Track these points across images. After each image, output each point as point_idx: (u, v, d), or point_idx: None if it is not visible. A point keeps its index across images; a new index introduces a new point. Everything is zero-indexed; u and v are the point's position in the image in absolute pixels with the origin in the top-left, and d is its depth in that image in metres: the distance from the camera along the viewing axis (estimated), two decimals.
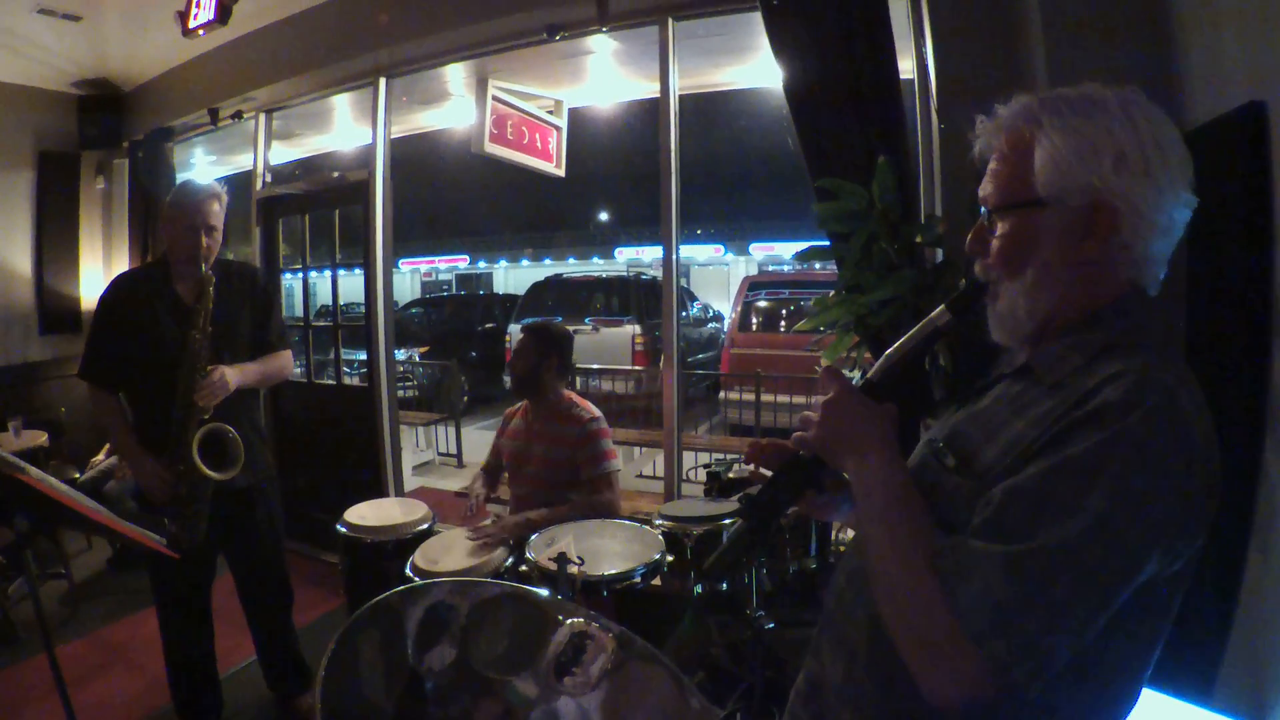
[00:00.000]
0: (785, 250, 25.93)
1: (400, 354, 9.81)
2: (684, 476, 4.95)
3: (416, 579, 2.86)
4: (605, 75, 5.39)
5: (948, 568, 1.00)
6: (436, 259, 33.03)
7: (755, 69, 5.01)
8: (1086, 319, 1.13)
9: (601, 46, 4.69)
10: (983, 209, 1.20)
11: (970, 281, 1.23)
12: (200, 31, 5.03)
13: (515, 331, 11.90)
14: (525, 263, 31.44)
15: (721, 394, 10.02)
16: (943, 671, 0.97)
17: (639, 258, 27.11)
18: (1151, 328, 1.12)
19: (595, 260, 28.51)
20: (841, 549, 3.09)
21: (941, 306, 1.19)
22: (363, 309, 5.65)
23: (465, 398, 11.66)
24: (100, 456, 5.54)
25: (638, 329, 11.74)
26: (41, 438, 5.49)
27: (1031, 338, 1.19)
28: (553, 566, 2.44)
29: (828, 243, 3.03)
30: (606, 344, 11.49)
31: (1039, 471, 0.99)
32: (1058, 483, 0.97)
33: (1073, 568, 0.93)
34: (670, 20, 4.16)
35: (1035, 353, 1.17)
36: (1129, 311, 1.12)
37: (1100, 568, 0.94)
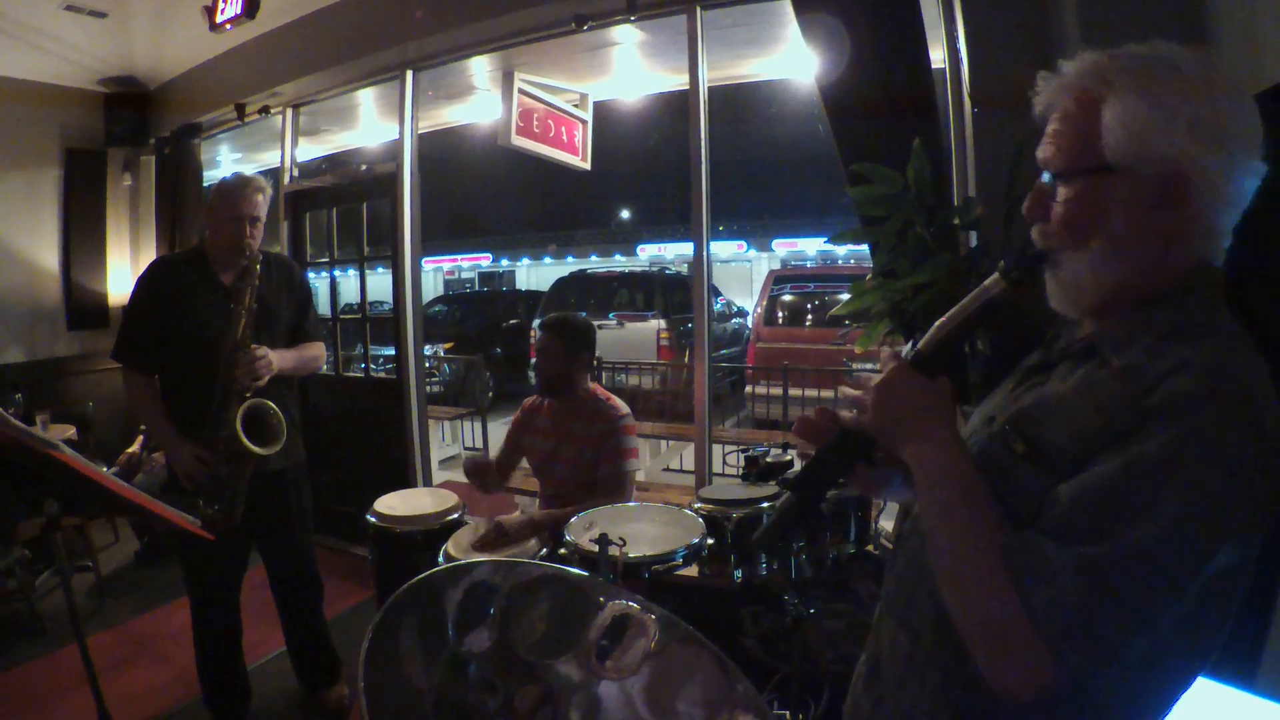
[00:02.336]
0: (809, 246, 25.86)
1: (425, 349, 9.86)
2: (714, 470, 4.93)
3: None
4: (630, 67, 5.37)
5: (1019, 568, 0.97)
6: (459, 257, 33.19)
7: (781, 60, 4.98)
8: (1155, 294, 1.08)
9: (627, 37, 4.68)
10: (1045, 174, 1.14)
11: (1022, 250, 1.18)
12: (228, 26, 5.07)
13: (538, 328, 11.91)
14: (548, 260, 31.53)
15: (748, 388, 10.01)
16: (1015, 670, 0.96)
17: (661, 255, 27.13)
18: (1220, 303, 1.08)
19: (617, 257, 28.54)
20: (884, 541, 3.05)
21: (996, 274, 1.11)
22: (386, 307, 5.65)
23: (490, 393, 11.70)
24: (135, 448, 5.55)
25: (663, 324, 11.74)
26: (69, 432, 5.47)
27: (1093, 310, 1.14)
28: (594, 549, 2.42)
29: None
30: (631, 339, 11.49)
31: (1110, 469, 0.95)
32: (1130, 483, 0.94)
33: (1148, 571, 0.91)
34: (699, 9, 4.12)
35: (1100, 330, 1.13)
36: (1198, 287, 1.08)
37: (1174, 567, 0.92)
